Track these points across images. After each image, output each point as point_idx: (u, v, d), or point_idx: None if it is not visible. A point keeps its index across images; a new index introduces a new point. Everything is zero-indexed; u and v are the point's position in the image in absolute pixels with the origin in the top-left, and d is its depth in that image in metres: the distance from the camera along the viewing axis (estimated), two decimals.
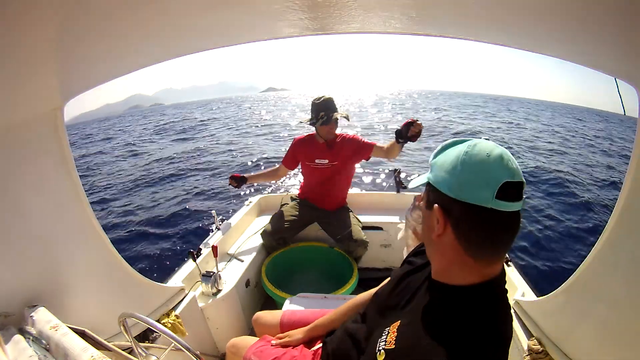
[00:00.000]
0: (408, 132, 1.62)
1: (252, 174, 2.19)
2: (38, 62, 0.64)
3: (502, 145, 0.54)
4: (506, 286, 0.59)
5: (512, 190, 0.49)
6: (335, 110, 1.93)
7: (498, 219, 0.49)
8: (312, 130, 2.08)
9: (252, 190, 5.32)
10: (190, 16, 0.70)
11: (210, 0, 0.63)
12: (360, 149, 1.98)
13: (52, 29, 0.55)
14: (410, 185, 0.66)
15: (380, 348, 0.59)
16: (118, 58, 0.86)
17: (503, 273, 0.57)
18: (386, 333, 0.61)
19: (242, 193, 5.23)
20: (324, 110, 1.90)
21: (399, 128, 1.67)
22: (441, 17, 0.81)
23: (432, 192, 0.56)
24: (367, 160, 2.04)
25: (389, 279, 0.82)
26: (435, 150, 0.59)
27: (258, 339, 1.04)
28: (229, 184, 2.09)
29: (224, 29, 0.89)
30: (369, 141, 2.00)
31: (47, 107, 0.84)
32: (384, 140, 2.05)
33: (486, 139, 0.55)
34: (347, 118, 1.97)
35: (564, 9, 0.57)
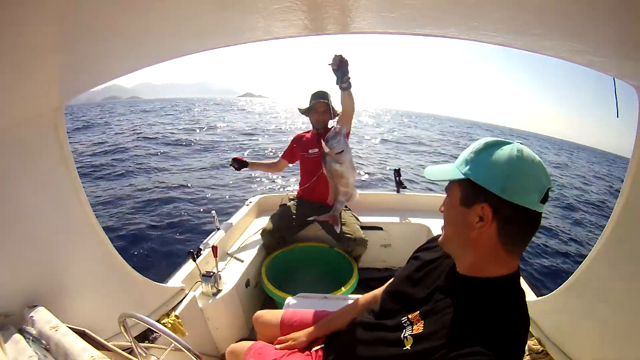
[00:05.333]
0: (336, 73, 1.45)
1: (255, 161, 2.25)
2: (38, 62, 0.64)
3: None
4: None
5: (547, 194, 0.54)
6: (325, 98, 1.99)
7: (536, 219, 0.55)
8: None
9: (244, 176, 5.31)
10: (190, 17, 0.69)
11: (209, 1, 0.63)
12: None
13: (53, 29, 0.55)
14: (429, 177, 0.64)
15: (406, 335, 0.63)
16: (118, 58, 0.86)
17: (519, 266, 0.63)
18: (408, 322, 0.65)
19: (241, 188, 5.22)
20: (315, 99, 2.00)
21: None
22: (441, 16, 0.81)
23: (473, 190, 0.57)
24: (346, 137, 2.04)
25: (394, 278, 0.84)
26: (476, 147, 0.59)
27: (255, 342, 1.04)
28: (230, 165, 2.13)
29: (224, 30, 0.89)
30: None
31: (47, 107, 0.84)
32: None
33: (520, 143, 0.57)
34: (330, 108, 1.97)
35: (564, 8, 0.57)
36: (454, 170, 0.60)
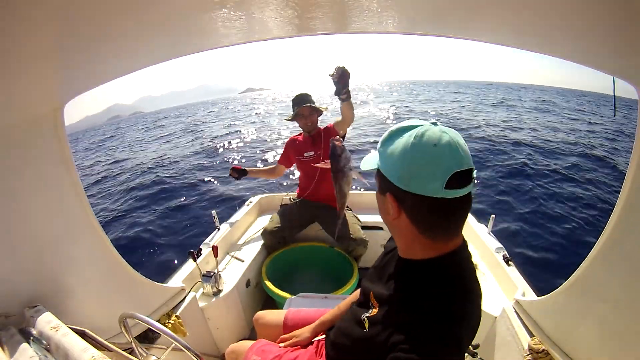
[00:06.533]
0: (336, 85, 1.46)
1: (253, 168, 2.24)
2: (38, 62, 0.64)
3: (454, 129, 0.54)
4: (507, 286, 0.61)
5: (461, 177, 0.50)
6: (307, 102, 1.98)
7: (448, 206, 0.52)
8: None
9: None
10: (190, 17, 0.70)
11: (209, 1, 0.63)
12: (329, 131, 2.04)
13: (53, 30, 0.55)
14: (362, 167, 0.66)
15: (364, 317, 0.66)
16: (118, 59, 0.86)
17: (464, 244, 0.61)
18: (371, 305, 0.67)
19: (240, 185, 5.23)
20: (296, 105, 1.99)
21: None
22: (441, 17, 0.81)
23: (383, 179, 0.58)
24: (343, 139, 2.06)
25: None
26: (383, 137, 0.59)
27: (258, 340, 1.04)
28: (230, 175, 2.12)
29: (224, 29, 0.89)
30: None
31: (47, 108, 0.84)
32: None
33: (433, 124, 0.54)
34: (315, 109, 2.01)
35: (564, 8, 0.57)
36: (375, 159, 0.61)
